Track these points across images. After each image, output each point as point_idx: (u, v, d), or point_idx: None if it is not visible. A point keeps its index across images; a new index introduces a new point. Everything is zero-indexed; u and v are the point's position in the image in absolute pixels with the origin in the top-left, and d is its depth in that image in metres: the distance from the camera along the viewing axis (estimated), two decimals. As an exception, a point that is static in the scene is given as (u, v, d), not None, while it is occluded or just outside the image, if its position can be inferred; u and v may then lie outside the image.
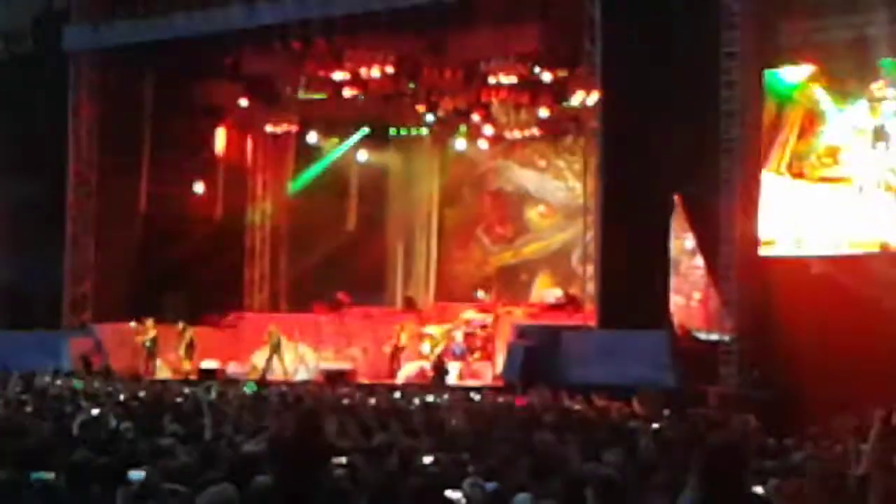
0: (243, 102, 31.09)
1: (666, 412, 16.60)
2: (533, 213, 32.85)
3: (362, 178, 34.21)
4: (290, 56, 28.34)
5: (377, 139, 33.44)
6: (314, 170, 33.67)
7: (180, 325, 29.06)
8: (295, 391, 20.27)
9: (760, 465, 9.04)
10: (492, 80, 28.35)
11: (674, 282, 24.24)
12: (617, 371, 21.38)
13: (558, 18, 25.34)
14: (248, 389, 21.20)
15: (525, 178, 32.89)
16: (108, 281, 29.08)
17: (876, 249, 21.38)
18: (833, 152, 22.09)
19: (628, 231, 22.45)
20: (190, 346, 28.92)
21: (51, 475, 7.66)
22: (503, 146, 32.68)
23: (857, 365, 18.59)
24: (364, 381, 26.71)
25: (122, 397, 17.64)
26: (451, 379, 26.59)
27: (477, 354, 28.09)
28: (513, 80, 28.12)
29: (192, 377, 26.79)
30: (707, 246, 22.81)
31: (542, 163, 32.56)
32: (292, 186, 34.01)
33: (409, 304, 31.99)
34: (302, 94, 30.49)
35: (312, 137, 33.15)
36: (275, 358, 28.80)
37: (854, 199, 21.86)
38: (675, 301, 24.44)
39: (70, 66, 28.74)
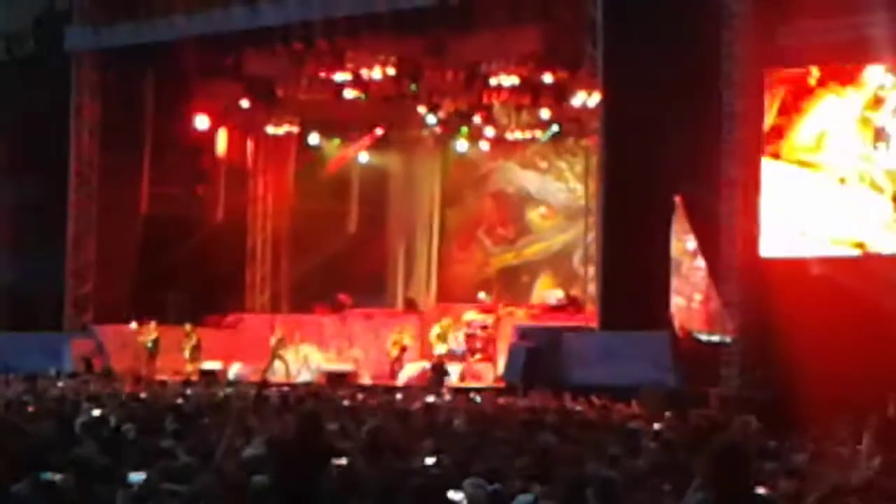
0: (244, 103, 31.09)
1: (667, 413, 16.60)
2: (534, 215, 32.85)
3: (363, 179, 34.22)
4: (292, 57, 28.34)
5: (378, 140, 33.45)
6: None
7: (187, 326, 29.08)
8: (296, 393, 20.27)
9: (761, 467, 9.04)
10: (493, 81, 28.36)
11: (675, 283, 24.23)
12: (618, 372, 21.39)
13: (559, 20, 25.33)
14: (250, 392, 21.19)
15: (526, 179, 32.89)
16: (110, 282, 29.08)
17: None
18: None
19: (629, 232, 22.45)
20: (196, 348, 28.94)
21: (57, 475, 7.66)
22: (504, 148, 32.69)
23: (858, 366, 18.58)
24: (365, 382, 26.72)
25: (123, 398, 17.64)
26: (453, 380, 26.58)
27: (478, 356, 28.09)
28: (514, 81, 28.13)
29: (193, 378, 26.76)
30: (708, 247, 22.80)
31: (544, 164, 32.55)
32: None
33: (411, 305, 31.98)
34: (303, 96, 30.50)
35: (314, 139, 33.15)
36: (276, 360, 28.81)
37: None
38: (676, 302, 24.42)
39: (72, 66, 28.77)
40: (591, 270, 24.70)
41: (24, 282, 29.44)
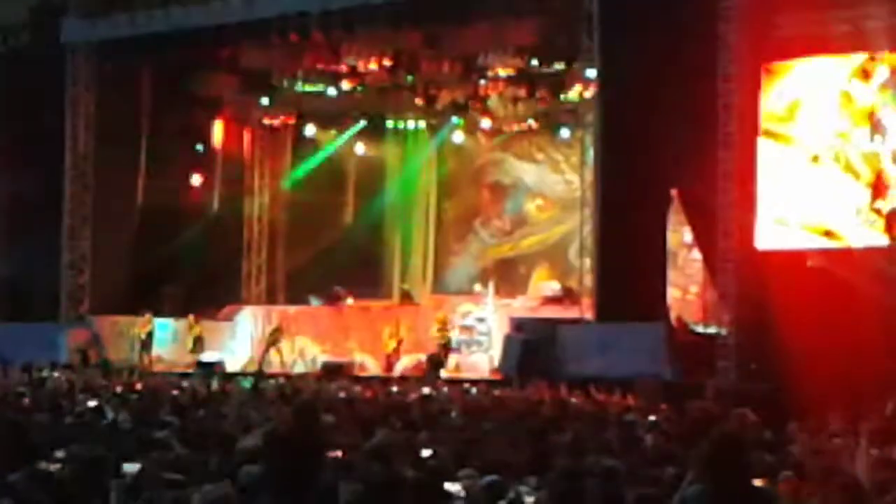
0: (241, 95, 31.05)
1: (663, 405, 16.61)
2: (531, 206, 32.84)
3: (359, 170, 34.19)
4: (288, 49, 28.29)
5: (374, 132, 33.44)
6: (310, 163, 33.65)
7: (191, 318, 29.06)
8: (293, 384, 20.28)
9: (757, 458, 9.04)
10: (489, 73, 28.34)
11: (671, 275, 24.27)
12: (614, 364, 21.41)
13: (555, 12, 25.32)
14: (246, 384, 21.20)
15: (523, 170, 32.88)
16: (106, 273, 29.05)
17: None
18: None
19: (625, 224, 22.45)
20: (199, 340, 28.93)
21: (53, 466, 7.66)
22: (501, 139, 32.68)
23: (854, 358, 18.61)
24: (361, 374, 26.73)
25: (118, 389, 17.65)
26: (449, 372, 26.60)
27: (474, 347, 28.08)
28: (510, 73, 28.12)
29: (189, 370, 26.77)
30: (704, 239, 22.82)
31: (540, 156, 32.55)
32: (288, 181, 33.97)
33: (407, 297, 31.97)
34: (299, 87, 30.47)
35: (310, 130, 33.13)
36: (272, 350, 28.82)
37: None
38: (673, 294, 24.47)
39: (67, 58, 28.69)
40: (588, 262, 24.69)
41: (20, 273, 29.41)
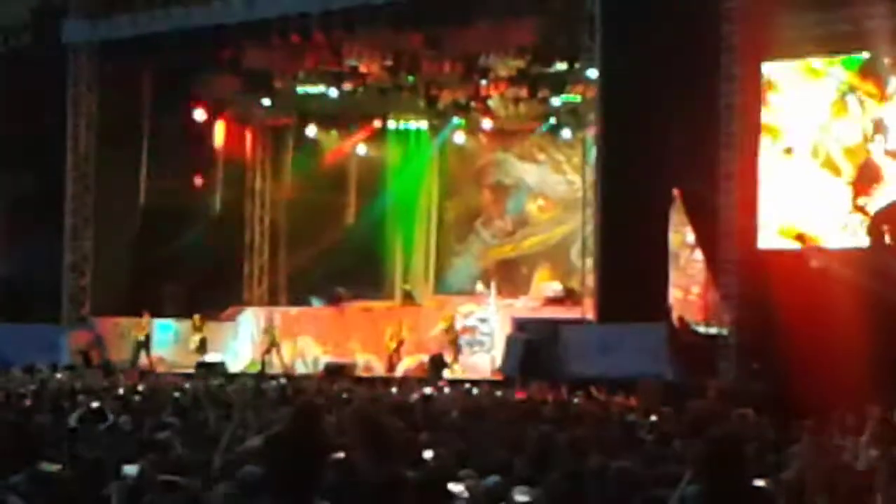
0: (242, 96, 31.05)
1: (665, 405, 16.59)
2: (532, 207, 32.84)
3: (361, 171, 34.19)
4: (289, 49, 28.29)
5: (376, 133, 33.44)
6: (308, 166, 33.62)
7: (196, 318, 29.03)
8: (294, 385, 20.27)
9: (759, 458, 9.04)
10: (491, 73, 28.34)
11: (672, 275, 24.25)
12: (616, 364, 21.40)
13: (557, 12, 25.32)
14: (248, 384, 21.19)
15: (524, 171, 32.87)
16: (107, 274, 29.06)
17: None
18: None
19: (627, 225, 22.45)
20: (204, 341, 28.90)
21: (54, 467, 7.66)
22: (502, 139, 32.67)
23: (856, 358, 18.56)
24: (363, 374, 26.73)
25: (120, 391, 17.64)
26: (449, 373, 26.59)
27: (476, 348, 28.09)
28: (511, 73, 28.12)
29: (190, 371, 26.76)
30: (706, 239, 22.81)
31: (542, 156, 32.54)
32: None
33: (408, 297, 31.98)
34: (301, 88, 30.47)
35: (311, 131, 33.14)
36: (273, 352, 28.82)
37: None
38: (674, 294, 24.45)
39: (69, 59, 28.70)
40: (589, 263, 24.69)
41: (22, 274, 29.42)
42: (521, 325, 25.22)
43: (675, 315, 23.68)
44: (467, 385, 22.33)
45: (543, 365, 22.81)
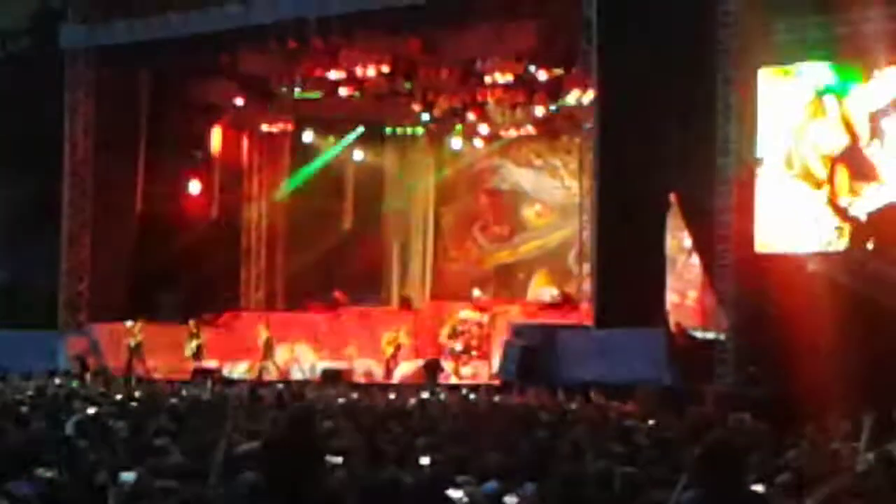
0: (239, 101, 31.07)
1: (662, 410, 16.59)
2: (529, 212, 32.85)
3: (358, 177, 34.20)
4: (286, 55, 28.31)
5: (373, 138, 33.46)
6: (306, 171, 33.64)
7: (191, 324, 28.98)
8: (291, 391, 20.25)
9: (756, 463, 9.04)
10: (487, 78, 28.36)
11: (670, 280, 24.25)
12: (613, 369, 21.40)
13: (554, 17, 25.34)
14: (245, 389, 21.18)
15: (521, 176, 32.88)
16: (105, 280, 29.03)
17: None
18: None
19: (624, 230, 22.46)
20: (200, 347, 28.85)
21: (50, 472, 7.65)
22: (499, 145, 32.69)
23: (853, 363, 18.58)
24: (360, 380, 26.72)
25: (117, 397, 17.62)
26: (452, 378, 26.59)
27: (473, 353, 28.09)
28: (508, 78, 28.13)
29: (187, 377, 26.71)
30: (703, 244, 22.81)
31: (539, 161, 32.56)
32: (285, 188, 33.93)
33: (406, 303, 31.98)
34: (298, 93, 30.48)
35: (308, 136, 33.15)
36: (269, 357, 28.78)
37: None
38: (672, 299, 24.45)
39: (66, 64, 28.70)
40: (586, 268, 24.69)
41: (19, 280, 29.39)
42: (518, 330, 25.21)
43: (672, 320, 23.68)
44: (464, 390, 22.33)
45: (541, 370, 22.81)
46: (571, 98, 27.68)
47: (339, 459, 8.68)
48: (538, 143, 32.26)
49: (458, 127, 32.10)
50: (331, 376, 26.49)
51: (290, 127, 32.86)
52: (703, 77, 21.34)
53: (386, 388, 23.51)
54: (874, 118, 20.94)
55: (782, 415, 15.39)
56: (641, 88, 21.63)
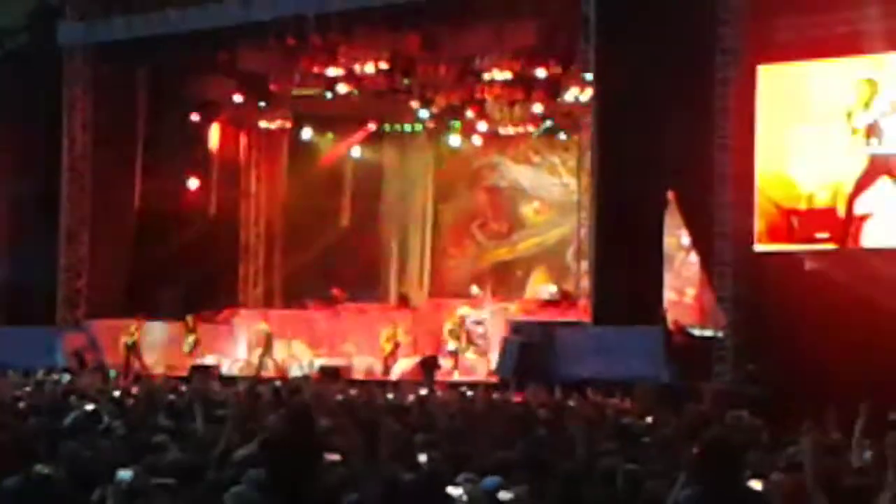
0: (237, 98, 31.06)
1: (660, 408, 16.59)
2: (528, 209, 32.85)
3: (356, 174, 34.20)
4: (285, 52, 28.29)
5: (371, 135, 33.45)
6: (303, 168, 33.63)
7: (189, 319, 28.99)
8: (289, 388, 20.23)
9: (755, 461, 9.04)
10: (486, 76, 28.36)
11: (668, 278, 24.26)
12: (611, 367, 21.40)
13: (553, 15, 25.34)
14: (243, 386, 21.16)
15: (520, 174, 32.88)
16: (103, 277, 29.02)
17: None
18: None
19: (622, 227, 22.47)
20: (197, 342, 28.88)
21: (48, 469, 7.64)
22: (497, 142, 32.69)
23: (852, 360, 18.59)
24: (360, 377, 26.72)
25: (115, 394, 17.61)
26: (455, 375, 26.60)
27: (471, 350, 28.09)
28: (507, 76, 28.13)
29: (185, 374, 26.70)
30: (701, 242, 22.82)
31: (537, 159, 32.56)
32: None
33: (404, 300, 31.99)
34: (296, 91, 30.47)
35: (307, 133, 33.14)
36: (268, 354, 28.79)
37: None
38: (670, 297, 24.46)
39: (64, 61, 28.67)
40: (585, 265, 24.70)
41: (17, 277, 29.35)
42: (516, 327, 25.21)
43: (670, 318, 23.69)
44: (462, 388, 22.32)
45: (539, 367, 22.80)
46: (570, 95, 27.68)
47: (338, 457, 8.67)
48: (537, 141, 32.26)
49: (457, 124, 32.09)
50: (328, 373, 26.48)
51: (288, 124, 32.86)
52: (702, 75, 21.34)
53: (384, 385, 23.49)
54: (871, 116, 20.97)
55: (780, 412, 15.40)
56: (640, 86, 21.64)
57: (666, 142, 21.29)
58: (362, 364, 28.43)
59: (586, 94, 25.07)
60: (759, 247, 21.77)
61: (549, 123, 30.90)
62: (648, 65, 21.35)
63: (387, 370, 27.85)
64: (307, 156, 33.73)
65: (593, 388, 19.39)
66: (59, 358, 26.89)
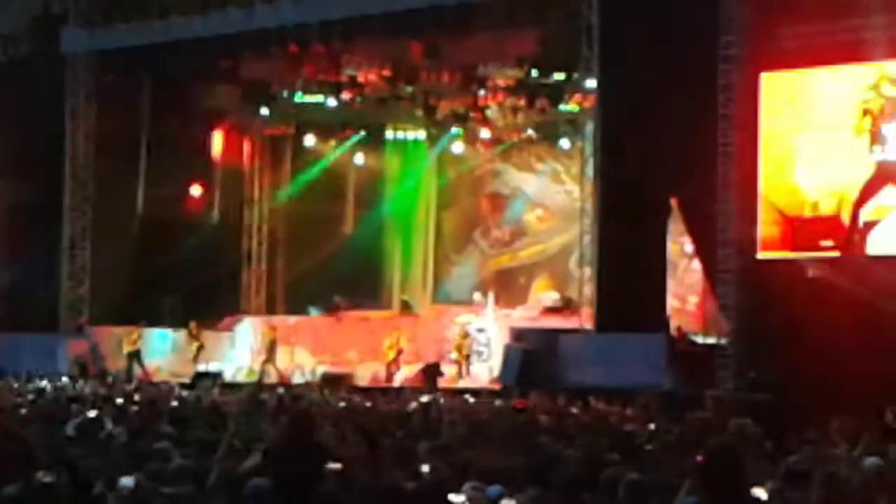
0: (240, 105, 31.06)
1: (663, 415, 16.56)
2: (530, 217, 32.84)
3: (359, 181, 34.21)
4: (288, 59, 28.33)
5: (374, 142, 33.46)
6: (305, 176, 33.65)
7: (192, 325, 28.99)
8: (292, 395, 20.23)
9: (758, 469, 9.02)
10: (489, 83, 28.36)
11: (670, 285, 24.24)
12: (614, 374, 21.39)
13: (555, 22, 25.34)
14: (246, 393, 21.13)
15: (522, 181, 32.88)
16: (106, 284, 29.03)
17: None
18: None
19: (625, 234, 22.46)
20: (200, 349, 28.87)
21: (49, 477, 7.62)
22: (500, 149, 32.69)
23: (854, 368, 18.57)
24: (361, 384, 26.69)
25: (117, 400, 17.60)
26: (460, 382, 26.58)
27: (474, 358, 28.07)
28: (510, 83, 28.14)
29: (188, 380, 26.69)
30: (704, 249, 22.81)
31: (540, 166, 32.56)
32: (284, 193, 33.92)
33: (406, 307, 31.98)
34: (299, 98, 30.49)
35: (309, 140, 33.15)
36: (270, 361, 28.77)
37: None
38: (672, 304, 24.44)
39: (67, 68, 28.69)
40: (588, 272, 24.69)
41: (20, 283, 29.36)
42: (518, 334, 25.19)
43: (672, 325, 23.67)
44: (465, 395, 22.30)
45: (541, 374, 22.79)
46: (573, 103, 27.68)
47: (340, 465, 8.66)
48: (539, 148, 32.26)
49: (460, 131, 32.10)
50: (331, 380, 26.47)
51: (291, 131, 32.88)
52: (705, 82, 21.35)
53: (386, 392, 23.48)
54: (875, 124, 20.96)
55: (783, 420, 15.38)
56: (643, 93, 21.64)
57: (669, 149, 21.29)
58: (365, 371, 28.41)
59: (589, 101, 25.06)
60: (762, 254, 21.76)
61: (551, 131, 30.89)
62: (651, 72, 21.35)
63: (389, 377, 27.82)
64: (310, 163, 33.73)
65: (596, 395, 19.38)
66: (61, 364, 26.89)
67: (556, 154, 32.03)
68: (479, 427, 13.82)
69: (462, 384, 26.37)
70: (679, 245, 24.82)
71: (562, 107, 28.77)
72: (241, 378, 27.98)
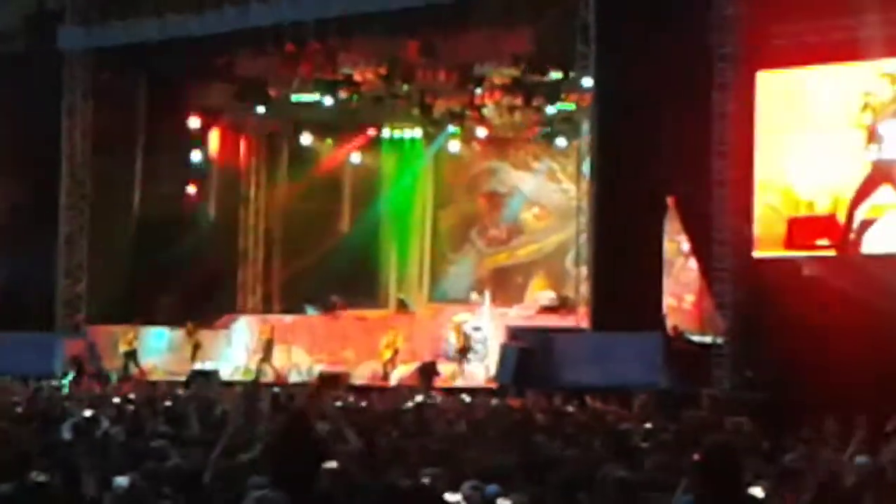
0: (236, 104, 31.05)
1: (659, 414, 16.57)
2: (527, 215, 32.85)
3: (355, 179, 34.20)
4: (284, 58, 28.29)
5: (370, 141, 33.46)
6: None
7: (189, 325, 28.98)
8: (287, 393, 20.22)
9: (754, 467, 9.03)
10: (485, 82, 28.35)
11: (667, 284, 24.24)
12: (610, 373, 21.40)
13: (552, 21, 25.34)
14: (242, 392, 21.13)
15: (519, 179, 32.89)
16: (102, 282, 29.01)
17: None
18: None
19: (621, 233, 22.47)
20: (198, 348, 28.85)
21: (43, 476, 7.62)
22: (497, 148, 32.68)
23: (850, 366, 18.58)
24: (358, 383, 26.68)
25: (113, 399, 17.59)
26: (454, 382, 26.57)
27: (470, 356, 28.06)
28: (506, 82, 28.13)
29: (184, 379, 26.68)
30: (700, 248, 22.82)
31: (536, 164, 32.57)
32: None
33: (402, 306, 31.97)
34: (295, 96, 30.47)
35: (306, 139, 33.14)
36: (267, 360, 28.75)
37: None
38: (669, 303, 24.44)
39: (63, 66, 28.66)
40: (584, 271, 24.70)
41: (16, 282, 29.33)
42: (515, 333, 25.19)
43: (669, 323, 23.67)
44: (461, 394, 22.30)
45: (537, 373, 22.79)
46: (569, 101, 27.68)
47: (337, 463, 8.65)
48: (536, 147, 32.27)
49: (456, 130, 32.09)
50: (328, 379, 26.45)
51: (287, 129, 32.85)
52: (701, 81, 21.35)
53: (383, 391, 23.47)
54: (872, 122, 20.98)
55: (779, 419, 15.39)
56: (639, 92, 21.65)
57: (665, 148, 21.30)
58: (362, 370, 28.40)
59: (585, 100, 25.06)
60: (758, 253, 21.77)
61: (548, 129, 30.89)
62: (647, 71, 21.36)
63: (386, 376, 27.82)
64: (306, 161, 33.72)
65: (592, 393, 19.38)
66: (58, 363, 26.86)
67: (552, 153, 32.03)
68: (474, 426, 13.82)
69: (458, 383, 26.38)
70: (675, 243, 24.82)
71: (558, 105, 28.76)
72: (238, 377, 27.98)
